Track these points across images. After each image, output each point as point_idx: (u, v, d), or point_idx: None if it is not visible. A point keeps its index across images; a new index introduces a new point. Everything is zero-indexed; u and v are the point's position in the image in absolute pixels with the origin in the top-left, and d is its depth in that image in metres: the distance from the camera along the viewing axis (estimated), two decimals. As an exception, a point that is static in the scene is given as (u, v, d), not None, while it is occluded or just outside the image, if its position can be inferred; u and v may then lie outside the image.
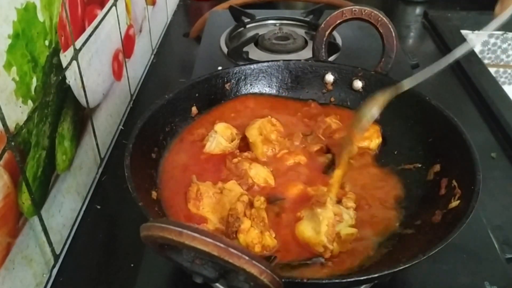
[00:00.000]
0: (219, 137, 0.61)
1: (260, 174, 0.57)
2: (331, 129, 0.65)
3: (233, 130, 0.63)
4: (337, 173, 0.57)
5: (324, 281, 0.42)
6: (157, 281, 0.54)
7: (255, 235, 0.48)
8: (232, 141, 0.62)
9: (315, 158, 0.62)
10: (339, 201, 0.54)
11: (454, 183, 0.53)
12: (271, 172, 0.59)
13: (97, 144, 0.72)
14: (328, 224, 0.49)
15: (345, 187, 0.57)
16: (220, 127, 0.62)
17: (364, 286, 0.50)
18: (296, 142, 0.63)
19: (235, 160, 0.59)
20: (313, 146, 0.63)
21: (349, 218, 0.51)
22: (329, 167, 0.60)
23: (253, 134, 0.62)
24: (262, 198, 0.52)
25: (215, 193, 0.54)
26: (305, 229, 0.50)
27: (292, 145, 0.63)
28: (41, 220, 0.55)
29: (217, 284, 0.50)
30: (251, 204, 0.51)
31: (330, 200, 0.52)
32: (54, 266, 0.58)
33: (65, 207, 0.61)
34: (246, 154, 0.61)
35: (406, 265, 0.42)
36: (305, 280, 0.41)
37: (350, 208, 0.53)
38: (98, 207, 0.69)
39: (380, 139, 0.64)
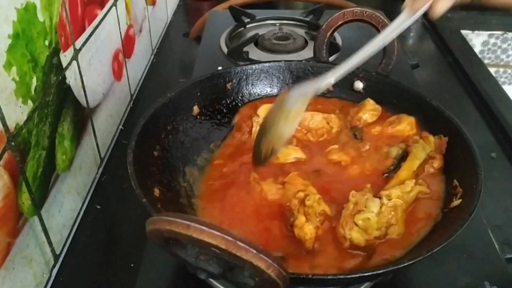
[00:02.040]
0: (261, 120, 0.63)
1: (289, 154, 0.59)
2: (367, 123, 0.64)
3: None
4: (407, 165, 0.56)
5: (328, 277, 0.42)
6: (157, 281, 0.53)
7: (308, 230, 0.49)
8: None
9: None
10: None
11: (456, 182, 0.53)
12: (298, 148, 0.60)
13: (97, 144, 0.72)
14: (345, 215, 0.50)
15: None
16: (262, 109, 0.64)
17: (366, 284, 0.51)
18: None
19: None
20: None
21: (376, 206, 0.50)
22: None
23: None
24: (317, 196, 0.52)
25: (278, 189, 0.55)
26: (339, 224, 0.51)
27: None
28: (41, 220, 0.55)
29: (218, 284, 0.50)
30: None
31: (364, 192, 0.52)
32: (54, 266, 0.58)
33: (65, 207, 0.61)
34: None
35: (409, 262, 0.42)
36: (310, 276, 0.41)
37: (384, 199, 0.51)
38: (98, 207, 0.69)
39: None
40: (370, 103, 0.66)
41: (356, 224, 0.49)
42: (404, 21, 0.50)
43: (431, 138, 0.59)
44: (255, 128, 0.64)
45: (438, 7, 0.48)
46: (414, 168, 0.56)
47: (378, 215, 0.50)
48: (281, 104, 0.53)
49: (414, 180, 0.54)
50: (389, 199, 0.51)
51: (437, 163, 0.57)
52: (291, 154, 0.60)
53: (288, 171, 0.58)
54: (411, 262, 0.42)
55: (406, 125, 0.62)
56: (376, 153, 0.60)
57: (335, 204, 0.53)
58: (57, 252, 0.59)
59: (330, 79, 0.53)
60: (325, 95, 0.71)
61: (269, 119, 0.54)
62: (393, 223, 0.50)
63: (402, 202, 0.51)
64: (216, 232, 0.32)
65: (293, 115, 0.52)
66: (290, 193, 0.54)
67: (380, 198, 0.52)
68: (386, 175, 0.57)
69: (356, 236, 0.49)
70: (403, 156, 0.58)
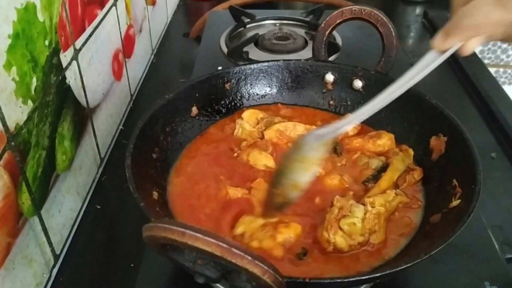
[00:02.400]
0: (244, 123, 0.65)
1: (260, 160, 0.60)
2: (348, 135, 0.65)
3: (259, 114, 0.66)
4: (387, 176, 0.56)
5: (326, 281, 0.42)
6: (157, 281, 0.53)
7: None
8: (256, 125, 0.65)
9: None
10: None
11: (455, 182, 0.53)
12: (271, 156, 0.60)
13: (97, 144, 0.72)
14: (330, 219, 0.50)
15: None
16: (247, 113, 0.66)
17: (364, 285, 0.51)
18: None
19: (235, 155, 0.62)
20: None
21: (360, 212, 0.51)
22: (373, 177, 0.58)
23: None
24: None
25: (244, 194, 0.56)
26: (319, 230, 0.51)
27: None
28: (41, 220, 0.55)
29: (218, 285, 0.50)
30: None
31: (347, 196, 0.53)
32: (54, 266, 0.58)
33: (65, 207, 0.61)
34: (244, 144, 0.63)
35: (407, 265, 0.42)
36: (307, 280, 0.41)
37: (369, 206, 0.52)
38: (98, 207, 0.69)
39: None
40: None
41: (341, 229, 0.50)
42: (432, 61, 0.46)
43: (411, 151, 0.61)
44: (237, 130, 0.65)
45: (469, 46, 0.43)
46: (394, 179, 0.57)
47: (363, 221, 0.50)
48: (296, 150, 0.50)
49: (394, 190, 0.55)
50: (373, 206, 0.52)
51: (417, 174, 0.58)
52: (262, 161, 0.60)
53: (256, 177, 0.58)
54: (409, 265, 0.42)
55: (386, 140, 0.63)
56: (354, 164, 0.61)
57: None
58: (57, 252, 0.59)
59: (348, 123, 0.51)
60: (324, 93, 0.71)
61: (284, 165, 0.52)
62: (376, 230, 0.51)
63: (384, 210, 0.52)
64: (211, 239, 0.32)
65: (309, 162, 0.50)
66: (255, 199, 0.55)
67: (364, 204, 0.52)
68: (366, 182, 0.57)
69: (340, 240, 0.49)
70: (383, 168, 0.58)
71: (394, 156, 0.59)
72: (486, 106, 0.88)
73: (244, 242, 0.50)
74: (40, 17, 0.52)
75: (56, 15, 0.56)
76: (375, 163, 0.59)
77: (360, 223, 0.50)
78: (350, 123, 0.51)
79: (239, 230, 0.51)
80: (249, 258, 0.33)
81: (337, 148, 0.62)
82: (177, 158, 0.62)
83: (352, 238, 0.50)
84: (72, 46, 0.62)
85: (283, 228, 0.51)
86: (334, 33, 0.93)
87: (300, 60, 0.72)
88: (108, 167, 0.76)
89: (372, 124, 0.67)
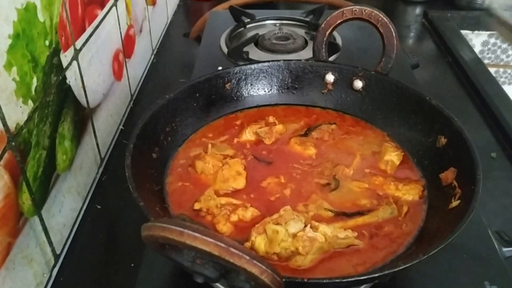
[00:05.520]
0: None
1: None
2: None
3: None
4: (362, 219, 0.53)
5: (324, 281, 0.42)
6: (157, 281, 0.53)
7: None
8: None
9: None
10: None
11: (454, 183, 0.53)
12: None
13: (97, 144, 0.73)
14: (264, 221, 0.50)
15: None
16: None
17: (364, 286, 0.51)
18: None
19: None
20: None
21: (294, 228, 0.49)
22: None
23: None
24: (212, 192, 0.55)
25: (214, 165, 0.58)
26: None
27: None
28: (41, 220, 0.55)
29: (218, 284, 0.50)
30: None
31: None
32: (54, 266, 0.58)
33: (65, 207, 0.61)
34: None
35: (406, 265, 0.42)
36: (305, 280, 0.41)
37: (308, 227, 0.49)
38: (98, 207, 0.69)
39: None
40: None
41: (266, 232, 0.48)
42: None
43: (405, 208, 0.54)
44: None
45: None
46: (365, 223, 0.53)
47: (291, 236, 0.48)
48: None
49: (356, 233, 0.51)
50: (314, 231, 0.49)
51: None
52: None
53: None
54: (408, 265, 0.42)
55: (414, 192, 0.57)
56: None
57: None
58: (58, 252, 0.59)
59: None
60: (324, 94, 0.71)
61: None
62: (300, 253, 0.47)
63: (323, 240, 0.49)
64: (209, 239, 0.32)
65: None
66: (221, 172, 0.57)
67: (306, 225, 0.49)
68: (329, 211, 0.54)
69: (259, 241, 0.48)
70: (366, 210, 0.55)
71: (384, 205, 0.54)
72: (486, 106, 0.88)
73: (200, 216, 0.53)
74: (41, 17, 0.52)
75: (56, 15, 0.56)
76: (365, 201, 0.56)
77: (284, 235, 0.48)
78: None
79: (196, 205, 0.54)
80: (247, 257, 0.33)
81: (332, 184, 0.58)
82: (177, 158, 0.62)
83: (271, 246, 0.48)
84: (72, 46, 0.62)
85: (241, 211, 0.53)
86: (334, 33, 0.93)
87: (300, 60, 0.72)
88: (108, 167, 0.76)
89: (373, 125, 0.67)
